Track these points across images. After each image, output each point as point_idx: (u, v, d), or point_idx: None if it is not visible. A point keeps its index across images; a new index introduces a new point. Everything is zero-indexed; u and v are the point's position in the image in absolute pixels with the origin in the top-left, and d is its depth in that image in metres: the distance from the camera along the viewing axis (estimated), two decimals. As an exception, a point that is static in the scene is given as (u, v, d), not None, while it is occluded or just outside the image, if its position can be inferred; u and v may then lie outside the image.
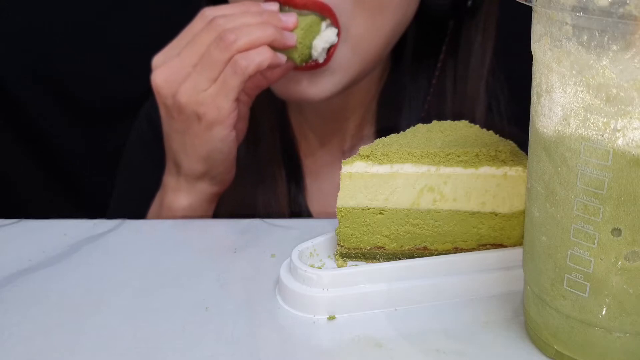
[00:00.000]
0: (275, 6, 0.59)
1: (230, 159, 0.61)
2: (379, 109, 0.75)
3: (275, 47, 0.57)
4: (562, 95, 0.33)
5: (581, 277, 0.35)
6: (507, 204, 0.46)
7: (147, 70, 0.59)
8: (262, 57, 0.56)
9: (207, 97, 0.56)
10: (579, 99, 0.33)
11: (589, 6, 0.31)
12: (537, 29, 0.35)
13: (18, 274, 0.49)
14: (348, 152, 0.76)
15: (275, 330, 0.42)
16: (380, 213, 0.47)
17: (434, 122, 0.49)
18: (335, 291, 0.43)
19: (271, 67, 0.57)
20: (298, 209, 0.74)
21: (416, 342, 0.41)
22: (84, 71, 1.02)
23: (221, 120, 0.57)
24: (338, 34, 0.61)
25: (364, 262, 0.48)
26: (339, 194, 0.46)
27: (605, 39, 0.31)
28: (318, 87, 0.64)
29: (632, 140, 0.31)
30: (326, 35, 0.60)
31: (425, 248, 0.48)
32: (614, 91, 0.31)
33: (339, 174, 0.46)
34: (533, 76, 0.37)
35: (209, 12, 0.58)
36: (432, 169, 0.46)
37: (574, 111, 0.33)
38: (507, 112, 0.74)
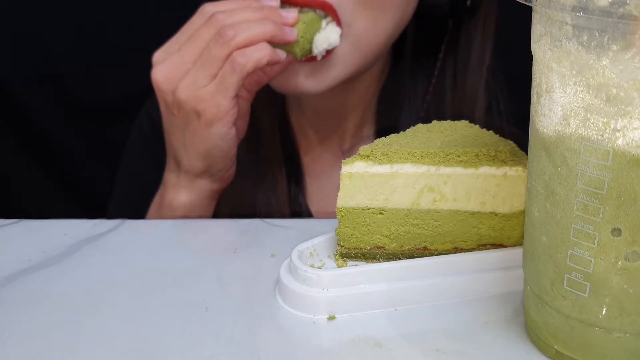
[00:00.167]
0: (276, 2, 0.59)
1: (230, 156, 0.61)
2: (378, 108, 0.75)
3: (275, 43, 0.57)
4: (562, 95, 0.33)
5: (581, 277, 0.35)
6: (507, 204, 0.46)
7: (147, 70, 0.59)
8: (261, 54, 0.55)
9: (206, 93, 0.56)
10: (579, 99, 0.33)
11: (589, 6, 0.31)
12: (537, 29, 0.35)
13: (18, 274, 0.49)
14: (348, 151, 0.76)
15: (275, 330, 0.42)
16: (380, 213, 0.47)
17: (434, 122, 0.49)
18: (335, 291, 0.43)
19: (270, 63, 0.57)
20: (298, 209, 0.74)
21: (416, 342, 0.41)
22: (84, 71, 1.02)
23: (220, 117, 0.57)
24: (340, 35, 0.61)
25: (364, 262, 0.48)
26: (339, 194, 0.46)
27: (605, 39, 0.31)
28: (317, 80, 0.64)
29: (632, 140, 0.31)
30: (328, 34, 0.60)
31: (425, 248, 0.48)
32: (614, 91, 0.31)
33: (339, 174, 0.46)
34: (533, 76, 0.37)
35: (209, 8, 0.58)
36: (432, 169, 0.46)
37: (574, 111, 0.33)
38: (507, 112, 0.74)
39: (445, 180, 0.46)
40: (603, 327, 0.36)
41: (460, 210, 0.46)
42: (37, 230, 0.55)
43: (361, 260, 0.48)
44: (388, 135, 0.48)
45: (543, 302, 0.38)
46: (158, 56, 0.59)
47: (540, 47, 0.35)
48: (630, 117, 0.31)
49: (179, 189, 0.63)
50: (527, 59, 0.37)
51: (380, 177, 0.46)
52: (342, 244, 0.48)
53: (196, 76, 0.56)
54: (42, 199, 1.09)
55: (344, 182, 0.46)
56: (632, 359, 0.36)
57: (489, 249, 0.47)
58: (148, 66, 0.59)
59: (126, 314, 0.44)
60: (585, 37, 0.32)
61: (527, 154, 0.39)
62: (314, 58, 0.61)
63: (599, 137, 0.32)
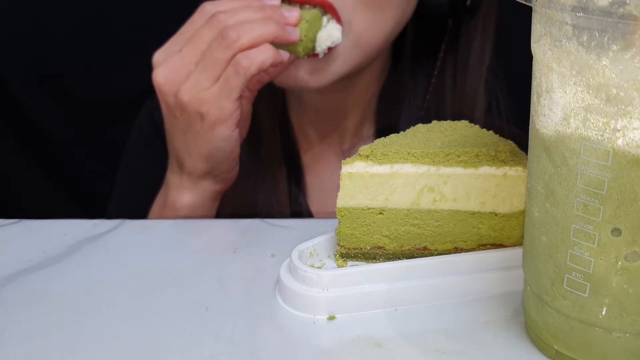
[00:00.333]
0: (277, 0, 0.59)
1: (233, 157, 0.61)
2: (378, 107, 0.75)
3: (278, 43, 0.56)
4: (562, 95, 0.33)
5: (581, 277, 0.35)
6: (507, 204, 0.46)
7: (148, 69, 0.59)
8: (265, 55, 0.55)
9: (209, 96, 0.56)
10: (579, 99, 0.33)
11: (589, 6, 0.31)
12: (537, 29, 0.35)
13: (18, 274, 0.49)
14: (348, 151, 0.76)
15: (275, 330, 0.42)
16: (380, 213, 0.47)
17: (434, 122, 0.49)
18: (335, 291, 0.43)
19: (274, 65, 0.57)
20: (299, 209, 0.74)
21: (416, 342, 0.41)
22: (84, 71, 1.02)
23: (224, 119, 0.57)
24: (342, 32, 0.61)
25: (364, 262, 0.48)
26: (339, 194, 0.46)
27: (605, 39, 0.31)
28: (317, 75, 0.63)
29: (632, 140, 0.31)
30: (330, 32, 0.60)
31: (425, 248, 0.48)
32: (614, 91, 0.31)
33: (339, 174, 0.46)
34: (533, 76, 0.37)
35: (209, 7, 0.57)
36: (432, 169, 0.46)
37: (574, 111, 0.33)
38: (507, 112, 0.74)
39: (445, 180, 0.46)
40: (603, 327, 0.36)
41: (460, 210, 0.46)
42: (37, 230, 0.55)
43: (361, 260, 0.48)
44: (388, 135, 0.48)
45: (543, 302, 0.38)
46: (158, 57, 0.58)
47: (540, 47, 0.35)
48: (630, 117, 0.31)
49: (182, 190, 0.63)
50: (527, 59, 0.37)
51: (380, 177, 0.46)
52: (342, 244, 0.48)
53: (199, 78, 0.56)
54: (42, 199, 1.09)
55: (344, 182, 0.46)
56: (632, 359, 0.36)
57: (489, 249, 0.47)
58: (148, 66, 0.59)
59: (126, 314, 0.44)
60: (585, 37, 0.32)
61: (527, 154, 0.39)
62: (315, 55, 0.61)
63: (599, 137, 0.32)
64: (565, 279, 0.36)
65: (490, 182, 0.46)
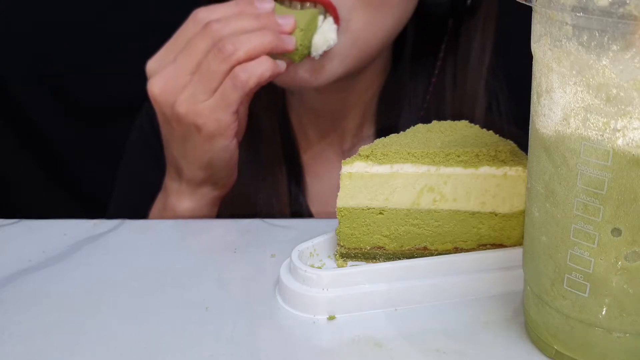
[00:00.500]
0: (270, 4, 0.57)
1: (232, 165, 0.60)
2: (378, 107, 0.75)
3: (274, 53, 0.56)
4: (562, 95, 0.33)
5: (581, 277, 0.35)
6: (507, 204, 0.46)
7: (147, 69, 0.59)
8: (263, 68, 0.54)
9: (206, 108, 0.55)
10: (579, 99, 0.33)
11: (589, 6, 0.31)
12: (537, 29, 0.35)
13: (18, 274, 0.49)
14: (348, 151, 0.76)
15: (275, 330, 0.42)
16: (380, 213, 0.47)
17: (434, 122, 0.49)
18: (335, 291, 0.43)
19: (272, 78, 0.56)
20: (299, 209, 0.74)
21: (416, 342, 0.41)
22: (84, 71, 1.02)
23: (221, 132, 0.56)
24: (337, 31, 0.60)
25: (364, 262, 0.48)
26: (339, 194, 0.46)
27: (605, 39, 0.31)
28: (315, 74, 0.63)
29: (632, 140, 0.31)
30: (325, 34, 0.60)
31: (425, 248, 0.48)
32: (614, 91, 0.31)
33: (339, 174, 0.46)
34: (533, 76, 0.37)
35: (202, 14, 0.56)
36: (432, 169, 0.46)
37: (574, 111, 0.33)
38: (507, 112, 0.74)
39: (445, 180, 0.46)
40: (603, 327, 0.36)
41: (460, 210, 0.46)
42: (37, 230, 0.55)
43: (361, 260, 0.48)
44: (388, 135, 0.48)
45: (543, 302, 0.38)
46: (152, 66, 0.57)
47: (540, 47, 0.35)
48: (630, 117, 0.31)
49: (181, 196, 0.62)
50: (527, 59, 0.37)
51: (380, 177, 0.46)
52: (342, 244, 0.48)
53: (195, 90, 0.55)
54: (42, 199, 1.09)
55: (344, 182, 0.46)
56: (632, 359, 0.36)
57: (489, 249, 0.47)
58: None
59: (126, 314, 0.44)
60: (585, 37, 0.32)
61: (527, 154, 0.39)
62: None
63: (599, 137, 0.32)
64: (565, 279, 0.36)
65: (490, 182, 0.46)
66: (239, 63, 0.54)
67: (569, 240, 0.35)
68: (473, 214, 0.46)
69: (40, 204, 1.07)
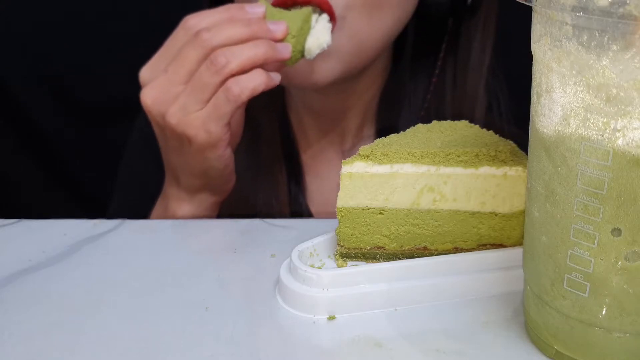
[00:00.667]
0: (261, 8, 0.56)
1: (228, 172, 0.60)
2: (378, 108, 0.75)
3: (269, 63, 0.55)
4: (562, 95, 0.33)
5: (581, 277, 0.35)
6: (507, 204, 0.46)
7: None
8: (256, 82, 0.53)
9: (197, 119, 0.54)
10: (579, 99, 0.33)
11: (589, 6, 0.31)
12: (537, 29, 0.35)
13: (18, 274, 0.49)
14: (348, 151, 0.76)
15: (275, 330, 0.42)
16: (380, 213, 0.47)
17: (434, 122, 0.49)
18: (335, 291, 0.43)
19: (266, 90, 0.55)
20: (298, 209, 0.74)
21: (416, 342, 0.41)
22: (84, 71, 1.02)
23: (212, 143, 0.55)
24: (332, 30, 0.59)
25: (364, 262, 0.48)
26: (339, 194, 0.46)
27: (605, 39, 0.31)
28: (312, 74, 0.62)
29: (632, 140, 0.31)
30: (319, 36, 0.58)
31: (425, 248, 0.48)
32: (614, 91, 0.31)
33: (339, 174, 0.46)
34: (533, 76, 0.37)
35: (192, 22, 0.55)
36: (432, 169, 0.46)
37: (574, 111, 0.33)
38: (507, 112, 0.74)
39: (445, 180, 0.46)
40: (603, 327, 0.36)
41: (460, 210, 0.46)
42: (37, 230, 0.55)
43: (361, 260, 0.48)
44: (388, 135, 0.48)
45: (543, 302, 0.38)
46: (144, 75, 0.57)
47: (540, 47, 0.35)
48: (630, 117, 0.31)
49: (181, 202, 0.62)
50: (527, 59, 0.37)
51: (380, 177, 0.46)
52: (342, 244, 0.48)
53: (187, 101, 0.54)
54: (42, 199, 1.09)
55: (344, 182, 0.46)
56: (632, 359, 0.36)
57: (489, 249, 0.47)
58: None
59: (126, 314, 0.44)
60: (585, 37, 0.32)
61: (527, 154, 0.39)
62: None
63: (599, 137, 0.32)
64: (565, 279, 0.36)
65: (490, 182, 0.46)
66: (232, 76, 0.53)
67: (569, 240, 0.35)
68: (473, 214, 0.46)
69: (40, 204, 1.07)
